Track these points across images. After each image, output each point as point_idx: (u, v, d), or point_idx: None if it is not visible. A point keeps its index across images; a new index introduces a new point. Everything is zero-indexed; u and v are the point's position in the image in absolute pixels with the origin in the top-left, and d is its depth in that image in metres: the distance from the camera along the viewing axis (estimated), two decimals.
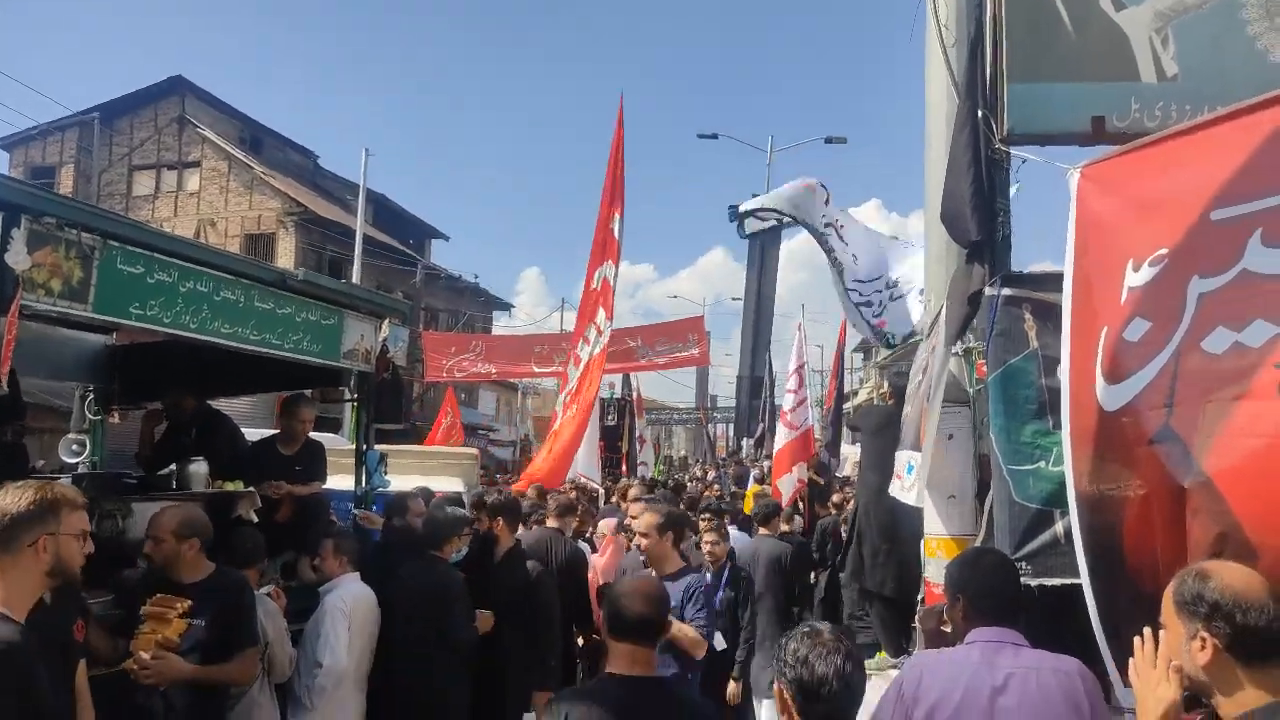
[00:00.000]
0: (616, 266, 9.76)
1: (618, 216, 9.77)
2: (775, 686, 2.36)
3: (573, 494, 9.42)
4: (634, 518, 6.20)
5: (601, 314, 9.61)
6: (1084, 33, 3.93)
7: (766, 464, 17.57)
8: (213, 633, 3.97)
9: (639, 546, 5.55)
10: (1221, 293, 2.48)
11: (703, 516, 7.02)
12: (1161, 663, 2.10)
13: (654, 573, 5.13)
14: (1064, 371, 2.92)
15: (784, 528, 9.75)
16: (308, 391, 6.45)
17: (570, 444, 9.74)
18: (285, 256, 26.78)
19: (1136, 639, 2.19)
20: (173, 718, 3.93)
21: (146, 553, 4.12)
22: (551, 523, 6.98)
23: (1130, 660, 2.21)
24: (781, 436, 11.76)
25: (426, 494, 6.76)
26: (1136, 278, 2.71)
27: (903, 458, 4.62)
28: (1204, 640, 2.00)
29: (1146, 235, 2.74)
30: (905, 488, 4.37)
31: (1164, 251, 2.65)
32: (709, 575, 6.28)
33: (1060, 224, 3.20)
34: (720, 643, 5.96)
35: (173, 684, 3.89)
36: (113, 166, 30.19)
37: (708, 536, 6.59)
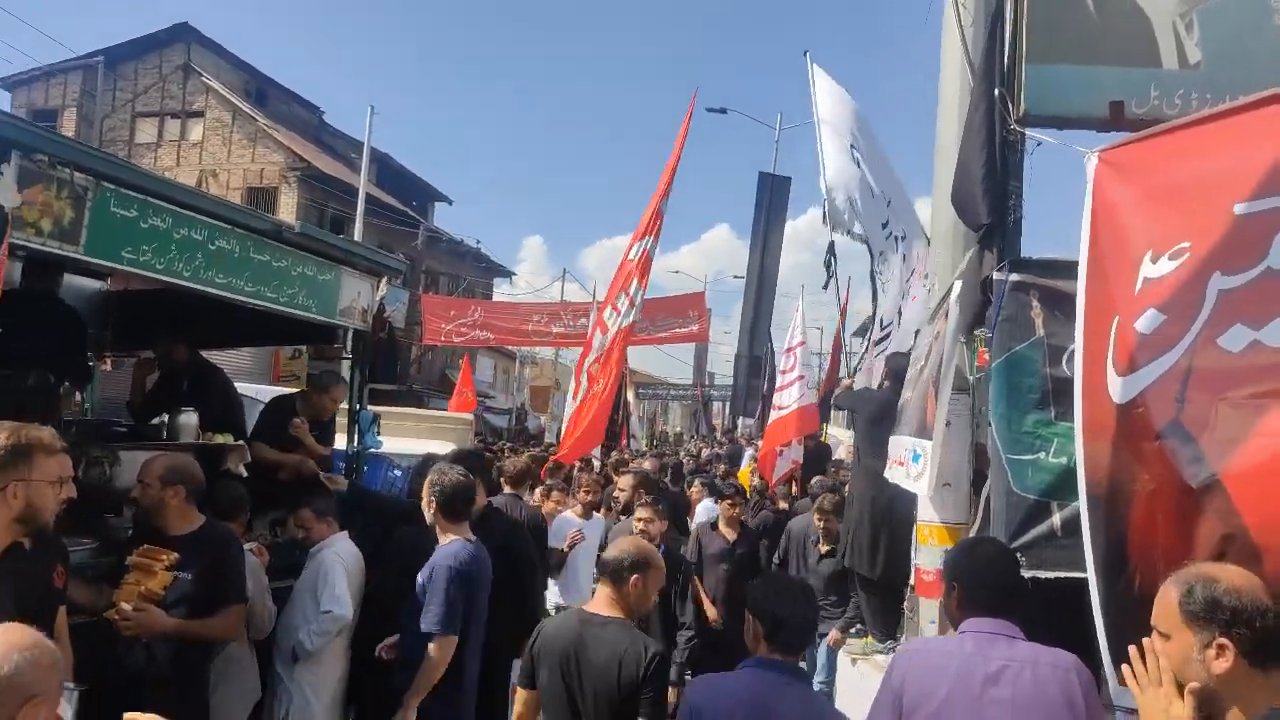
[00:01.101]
0: (656, 240, 9.77)
1: (667, 198, 9.82)
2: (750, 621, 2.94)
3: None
4: (620, 490, 6.42)
5: (635, 284, 9.55)
6: (1106, 15, 3.85)
7: (759, 443, 17.59)
8: (199, 586, 3.92)
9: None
10: (1243, 290, 2.40)
11: (644, 499, 6.56)
12: (1166, 676, 2.04)
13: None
14: (1077, 361, 2.85)
15: (782, 505, 9.76)
16: (296, 348, 6.37)
17: (600, 415, 9.68)
18: (287, 212, 26.56)
19: (1133, 648, 2.13)
20: (154, 669, 3.87)
21: (133, 497, 4.08)
22: (508, 489, 6.99)
23: (1127, 669, 2.16)
24: (771, 415, 11.73)
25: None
26: (1154, 269, 2.64)
27: (906, 443, 4.56)
28: (1222, 648, 1.94)
29: (1167, 226, 2.66)
30: (912, 476, 4.32)
31: (1185, 245, 2.57)
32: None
33: (1072, 210, 3.14)
34: None
35: (155, 636, 3.84)
36: (116, 112, 29.90)
37: (641, 514, 6.03)
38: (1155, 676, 2.06)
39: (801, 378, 11.73)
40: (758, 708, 2.75)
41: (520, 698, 3.54)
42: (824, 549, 7.33)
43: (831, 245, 7.25)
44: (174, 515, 4.03)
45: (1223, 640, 1.94)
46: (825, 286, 8.02)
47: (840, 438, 16.94)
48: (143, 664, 3.86)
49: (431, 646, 4.17)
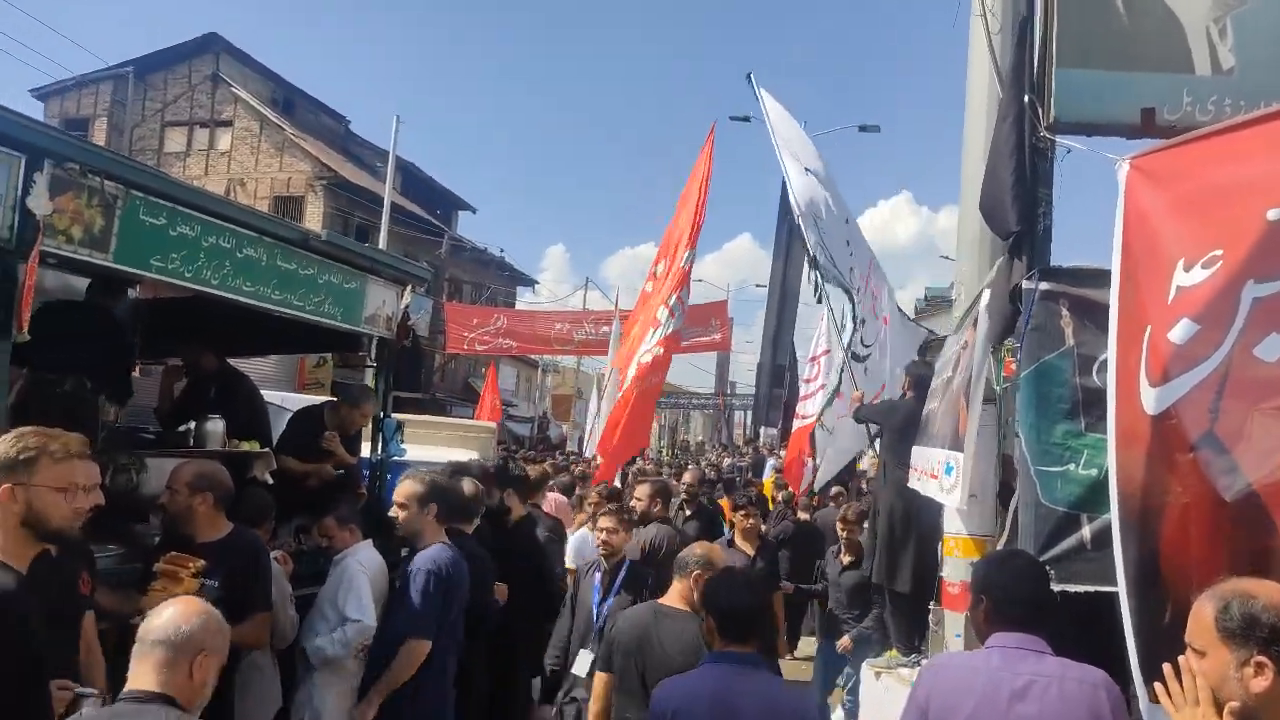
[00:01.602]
0: (693, 251, 9.81)
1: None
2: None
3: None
4: (638, 499, 6.29)
5: (684, 290, 9.59)
6: (1138, 20, 3.80)
7: (781, 453, 17.47)
8: (226, 594, 3.91)
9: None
10: (1278, 299, 2.36)
11: (606, 508, 5.71)
12: (1203, 695, 1.99)
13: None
14: (1110, 371, 2.80)
15: (803, 515, 9.69)
16: (370, 388, 6.36)
17: (644, 415, 9.70)
18: (313, 220, 26.80)
19: (1168, 667, 2.09)
20: None
21: (161, 503, 4.11)
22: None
23: (1160, 688, 2.11)
24: (795, 424, 11.63)
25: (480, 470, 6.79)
26: (1187, 278, 2.59)
27: (937, 456, 4.51)
28: (1261, 666, 1.90)
29: (1199, 234, 2.62)
30: (945, 488, 4.26)
31: (1218, 253, 2.52)
32: (599, 573, 5.12)
33: (1103, 219, 3.09)
34: (583, 667, 4.70)
35: None
36: (145, 122, 30.29)
37: (603, 523, 5.21)
38: (1192, 695, 2.01)
39: (824, 386, 11.64)
40: (719, 699, 2.91)
41: (598, 680, 3.91)
42: (846, 560, 7.29)
43: (814, 260, 7.24)
44: (202, 522, 4.06)
45: (1261, 658, 1.90)
46: (817, 299, 8.03)
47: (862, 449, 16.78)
48: None
49: (403, 649, 4.27)
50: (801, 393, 12.06)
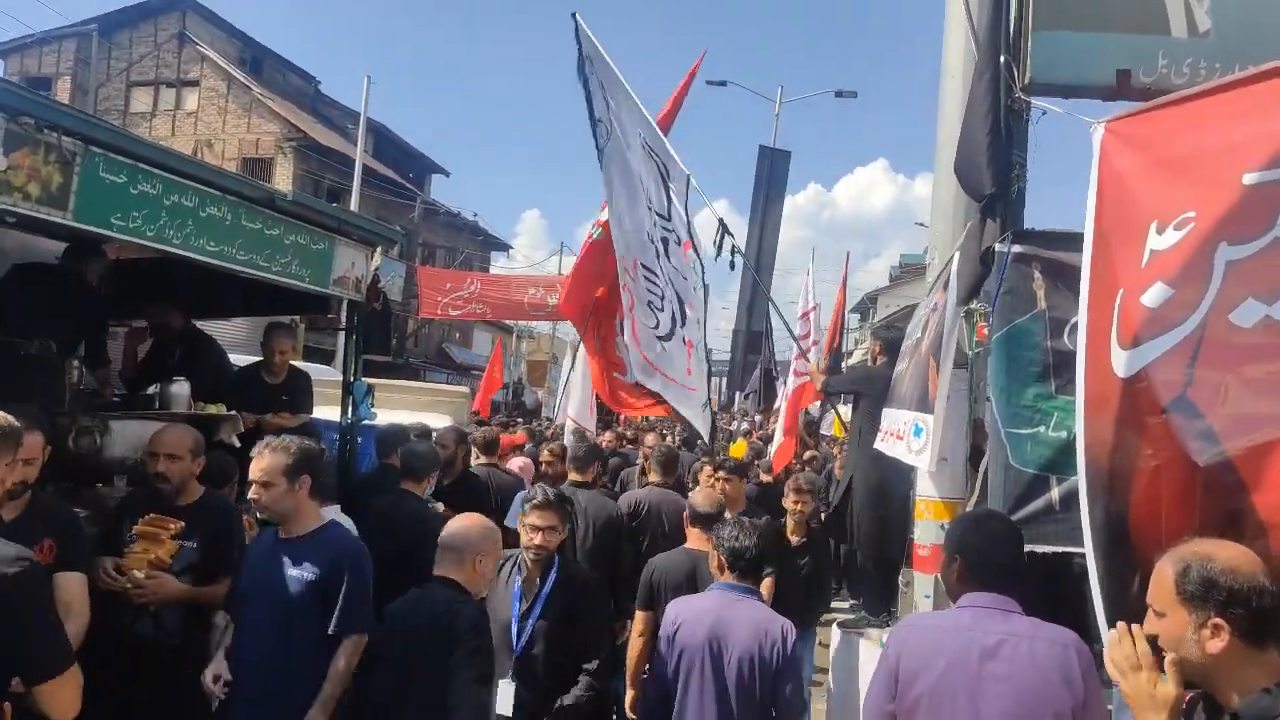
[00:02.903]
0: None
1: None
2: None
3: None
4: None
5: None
6: None
7: (757, 418, 17.50)
8: (203, 555, 3.99)
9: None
10: (1251, 261, 2.35)
11: (541, 499, 4.23)
12: (1145, 660, 2.02)
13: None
14: (1080, 334, 2.80)
15: (765, 478, 9.40)
16: (288, 320, 6.36)
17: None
18: (283, 182, 26.35)
19: (1113, 633, 2.12)
20: (163, 638, 3.93)
21: (158, 470, 4.03)
22: (483, 458, 7.28)
23: (1108, 654, 2.13)
24: (793, 381, 11.61)
25: (424, 431, 6.81)
26: (1160, 240, 2.58)
27: (905, 417, 4.52)
28: (1217, 627, 1.91)
29: (1173, 196, 2.60)
30: (914, 450, 4.28)
31: (1190, 214, 2.51)
32: (518, 580, 4.10)
33: (1076, 180, 3.08)
34: (505, 703, 3.83)
35: (164, 604, 3.88)
36: (110, 81, 29.62)
37: (536, 519, 4.09)
38: (1134, 661, 2.04)
39: (816, 343, 11.85)
40: (719, 615, 3.73)
41: (640, 618, 4.48)
42: (795, 539, 6.42)
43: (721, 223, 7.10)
44: (189, 485, 4.10)
45: (1218, 620, 1.92)
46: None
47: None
48: (152, 632, 3.92)
49: (346, 645, 3.55)
50: (795, 351, 12.13)
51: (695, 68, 9.58)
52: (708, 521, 4.65)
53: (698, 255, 6.93)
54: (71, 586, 3.31)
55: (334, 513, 4.80)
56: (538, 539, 4.07)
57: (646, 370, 7.44)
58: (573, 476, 6.00)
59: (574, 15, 7.38)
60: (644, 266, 7.28)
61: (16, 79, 27.46)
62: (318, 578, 3.57)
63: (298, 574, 3.58)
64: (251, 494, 3.67)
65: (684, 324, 7.03)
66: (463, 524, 3.59)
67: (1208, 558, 1.98)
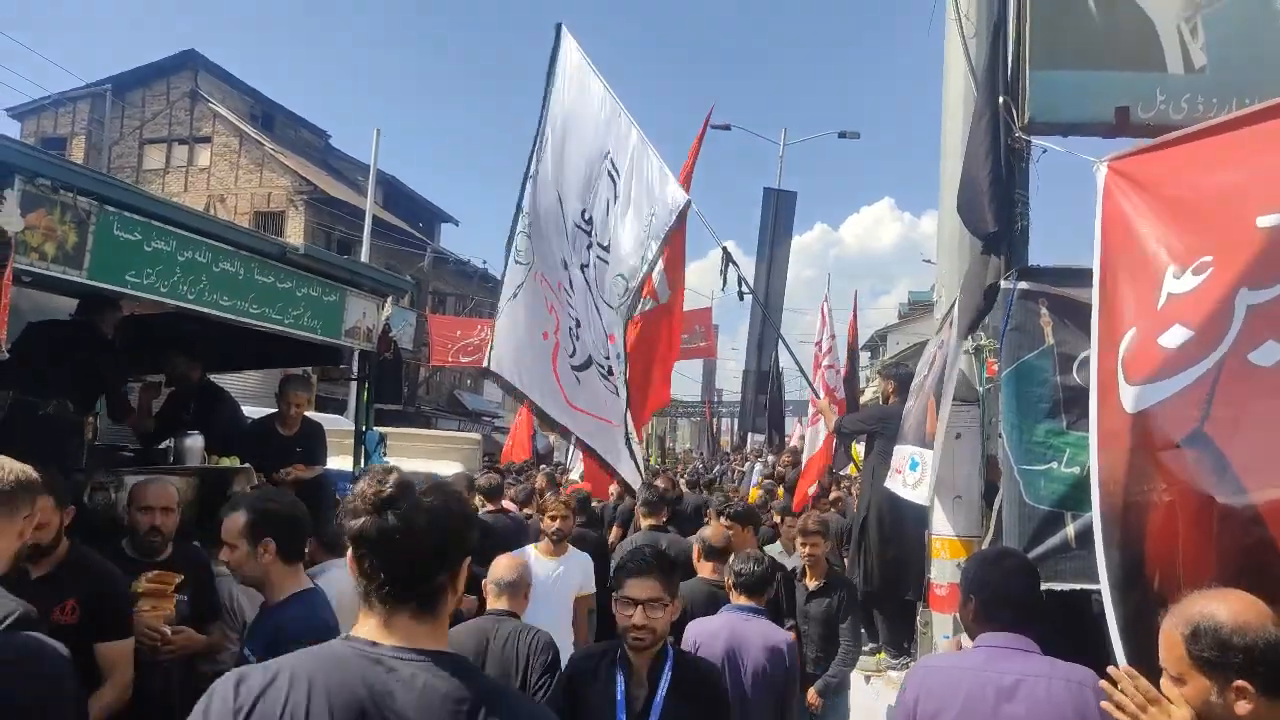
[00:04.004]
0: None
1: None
2: None
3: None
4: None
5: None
6: (1110, 20, 3.84)
7: (771, 459, 17.41)
8: (192, 606, 4.02)
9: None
10: (1272, 305, 2.35)
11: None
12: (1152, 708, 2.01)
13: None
14: (1093, 370, 2.80)
15: (776, 518, 9.08)
16: (302, 372, 6.38)
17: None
18: (294, 235, 26.66)
19: (1104, 684, 2.12)
20: (173, 691, 3.88)
21: (154, 525, 4.04)
22: (489, 506, 7.25)
23: (1106, 704, 2.13)
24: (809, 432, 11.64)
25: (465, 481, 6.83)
26: (1178, 285, 2.58)
27: (905, 452, 4.52)
28: (1241, 690, 1.90)
29: (1187, 240, 2.61)
30: (910, 484, 4.28)
31: (1208, 259, 2.52)
32: (619, 681, 3.07)
33: (1079, 218, 3.10)
34: None
35: (188, 656, 3.92)
36: (124, 139, 30.11)
37: (628, 589, 3.07)
38: (1140, 700, 2.04)
39: (832, 367, 12.05)
40: (734, 630, 3.97)
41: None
42: (813, 584, 5.75)
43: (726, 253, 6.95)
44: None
45: (1240, 683, 1.90)
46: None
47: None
48: (162, 685, 3.88)
49: None
50: (819, 381, 12.22)
51: (706, 120, 9.71)
52: (720, 556, 4.92)
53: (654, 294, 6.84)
54: (111, 654, 3.32)
55: (340, 565, 4.78)
56: (638, 617, 2.98)
57: (568, 413, 6.67)
58: (648, 521, 6.55)
59: (559, 26, 6.91)
60: (565, 289, 6.84)
61: (33, 140, 27.96)
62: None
63: (245, 656, 3.07)
64: (221, 555, 3.33)
65: (607, 355, 6.65)
66: (509, 563, 4.20)
67: (1214, 619, 1.95)
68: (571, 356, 6.53)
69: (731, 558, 4.43)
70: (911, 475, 4.26)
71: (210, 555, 4.29)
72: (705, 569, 5.04)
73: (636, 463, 6.66)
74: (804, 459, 11.64)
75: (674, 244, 7.60)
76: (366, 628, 1.65)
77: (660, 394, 8.89)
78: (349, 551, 1.67)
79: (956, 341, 4.09)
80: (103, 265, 3.91)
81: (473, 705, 1.58)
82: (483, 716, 1.57)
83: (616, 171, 6.74)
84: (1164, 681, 2.05)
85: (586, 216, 6.75)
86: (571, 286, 6.68)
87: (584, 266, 6.70)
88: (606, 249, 6.72)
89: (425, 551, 1.65)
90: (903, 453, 4.57)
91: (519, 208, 6.40)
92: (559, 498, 6.34)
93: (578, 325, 6.59)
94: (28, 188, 3.53)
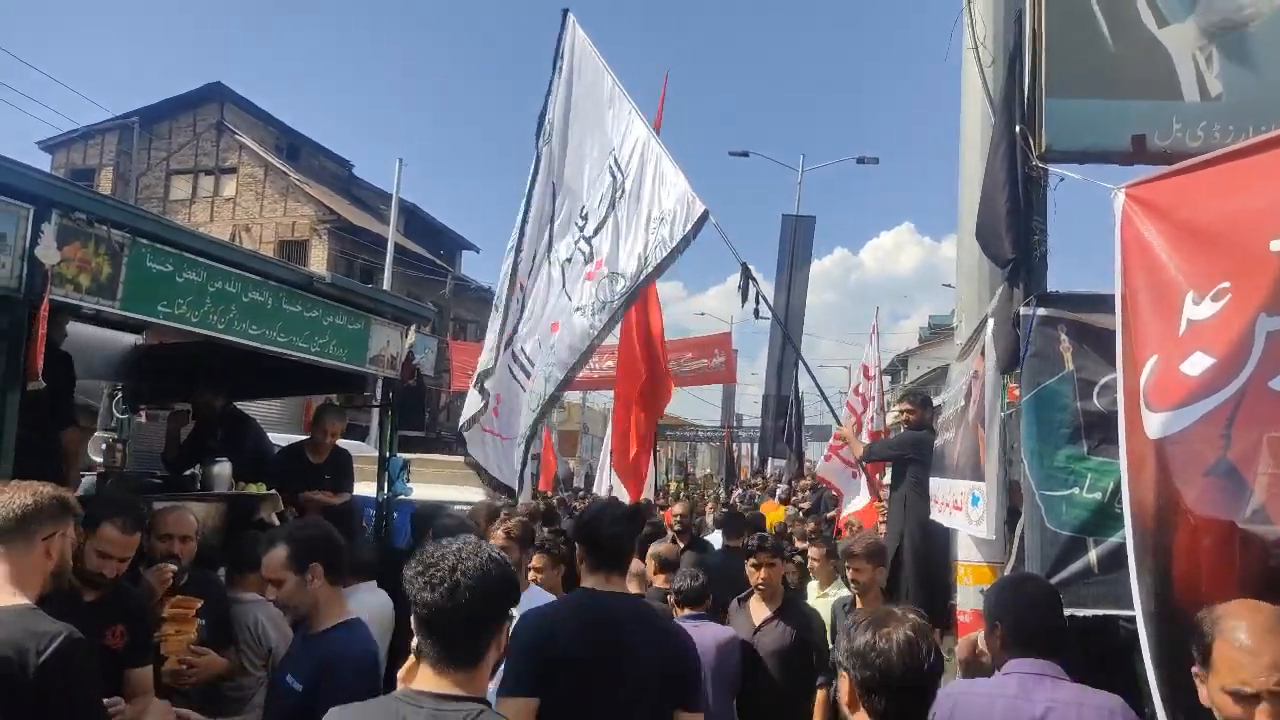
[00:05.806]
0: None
1: None
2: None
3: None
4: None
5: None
6: (1125, 49, 3.86)
7: (790, 484, 17.36)
8: (208, 630, 4.04)
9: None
10: None
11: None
12: None
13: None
14: (1119, 395, 2.80)
15: (800, 546, 8.87)
16: (335, 399, 6.45)
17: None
18: (318, 263, 26.94)
19: None
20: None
21: (172, 553, 4.09)
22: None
23: None
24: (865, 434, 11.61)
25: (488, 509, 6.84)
26: (1198, 311, 2.59)
27: (960, 487, 4.47)
28: None
29: (1205, 266, 2.62)
30: (973, 520, 4.23)
31: (1226, 285, 2.54)
32: None
33: (1097, 244, 3.12)
34: None
35: (208, 680, 3.95)
36: (151, 170, 30.60)
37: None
38: None
39: (872, 399, 12.10)
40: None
41: None
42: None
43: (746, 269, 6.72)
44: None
45: None
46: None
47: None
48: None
49: None
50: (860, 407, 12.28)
51: (663, 90, 9.64)
52: (672, 569, 5.56)
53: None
54: (144, 679, 3.41)
55: (367, 589, 4.82)
56: None
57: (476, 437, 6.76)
58: (729, 542, 7.35)
59: (565, 11, 6.94)
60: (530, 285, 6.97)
61: (62, 171, 28.43)
62: (303, 692, 3.00)
63: (289, 684, 3.11)
64: (268, 594, 3.34)
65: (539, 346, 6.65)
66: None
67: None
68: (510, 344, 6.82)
69: (677, 576, 4.91)
70: (974, 511, 4.20)
71: (240, 582, 4.36)
72: (659, 580, 5.66)
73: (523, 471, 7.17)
74: (845, 509, 11.29)
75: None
76: (423, 678, 2.03)
77: (664, 385, 9.06)
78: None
79: (995, 375, 4.06)
80: (135, 296, 4.00)
81: None
82: None
83: (619, 168, 6.57)
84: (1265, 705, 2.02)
85: (584, 212, 6.79)
86: (535, 275, 6.89)
87: (567, 261, 6.77)
88: (591, 241, 6.63)
89: (472, 623, 2.01)
90: (958, 488, 4.52)
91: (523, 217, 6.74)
92: (502, 526, 5.49)
93: (522, 309, 6.85)
94: (64, 221, 3.63)
